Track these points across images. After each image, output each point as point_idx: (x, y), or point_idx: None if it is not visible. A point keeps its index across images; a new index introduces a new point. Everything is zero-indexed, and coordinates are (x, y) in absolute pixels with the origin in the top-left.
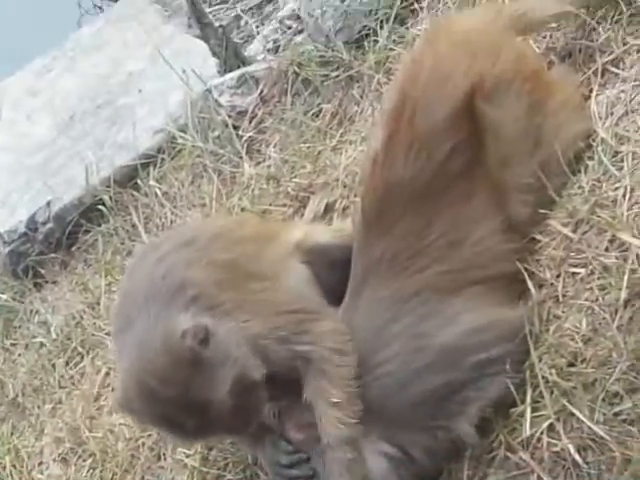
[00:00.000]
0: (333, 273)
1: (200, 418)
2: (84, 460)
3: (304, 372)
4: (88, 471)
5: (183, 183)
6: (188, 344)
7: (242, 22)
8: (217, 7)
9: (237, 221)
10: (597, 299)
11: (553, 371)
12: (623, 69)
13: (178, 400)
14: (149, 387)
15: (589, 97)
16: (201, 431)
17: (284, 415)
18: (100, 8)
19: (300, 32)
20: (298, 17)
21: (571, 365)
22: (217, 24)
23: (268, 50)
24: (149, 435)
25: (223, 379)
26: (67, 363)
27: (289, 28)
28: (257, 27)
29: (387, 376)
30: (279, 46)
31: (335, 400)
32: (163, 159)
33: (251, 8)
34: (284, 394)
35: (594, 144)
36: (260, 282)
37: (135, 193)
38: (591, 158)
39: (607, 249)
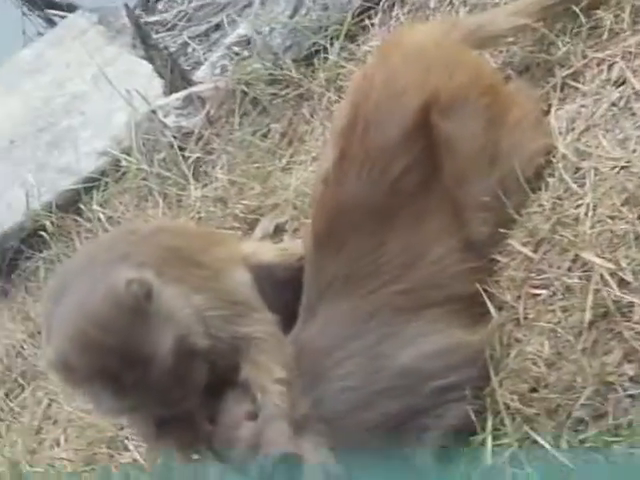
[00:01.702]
0: (276, 292)
1: (140, 373)
2: None
3: (244, 352)
4: None
5: (128, 207)
6: (133, 292)
7: (189, 49)
8: (164, 34)
9: (180, 222)
10: (560, 321)
11: (515, 397)
12: (583, 83)
13: (120, 349)
14: (89, 336)
15: (548, 112)
16: (139, 389)
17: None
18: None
19: (248, 58)
20: (247, 43)
21: (533, 390)
22: (163, 47)
23: (215, 76)
24: (92, 469)
25: (165, 336)
26: (7, 395)
27: (237, 54)
28: (204, 54)
29: (347, 391)
30: (227, 72)
31: (278, 376)
32: (107, 183)
33: (198, 35)
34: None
35: (554, 160)
36: (205, 271)
37: (78, 218)
38: (552, 175)
39: (570, 269)
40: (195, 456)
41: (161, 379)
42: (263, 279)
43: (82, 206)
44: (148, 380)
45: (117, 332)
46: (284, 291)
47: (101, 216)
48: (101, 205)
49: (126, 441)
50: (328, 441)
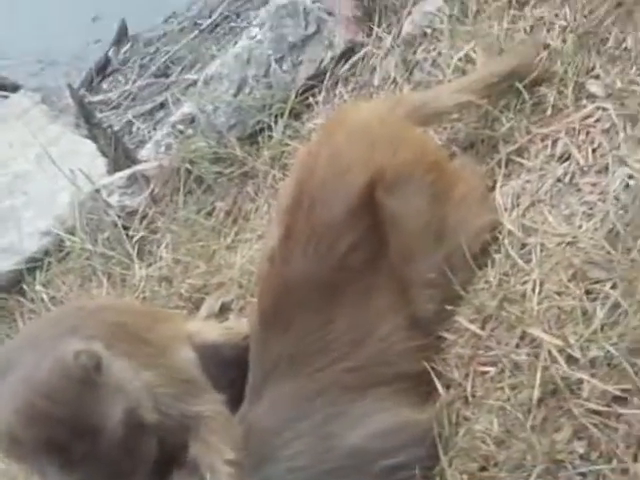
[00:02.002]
0: (221, 371)
1: (88, 444)
2: None
3: (194, 430)
4: None
5: (71, 287)
6: (82, 363)
7: (134, 128)
8: (108, 113)
9: (125, 300)
10: (509, 398)
11: (465, 476)
12: (528, 159)
13: (68, 420)
14: (37, 407)
15: (494, 188)
16: (87, 462)
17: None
18: None
19: (192, 136)
20: (191, 121)
21: (483, 469)
22: (107, 126)
23: (160, 154)
24: None
25: (114, 408)
26: None
27: (181, 132)
28: (149, 132)
29: (295, 471)
30: (171, 150)
31: (227, 457)
32: (50, 262)
33: (143, 114)
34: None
35: (500, 236)
36: (152, 348)
37: (21, 299)
38: (498, 251)
39: (517, 345)
40: None
41: (110, 452)
42: (208, 358)
43: (25, 286)
44: (96, 453)
45: (65, 403)
46: (230, 370)
47: (44, 296)
48: (44, 285)
49: None
50: None
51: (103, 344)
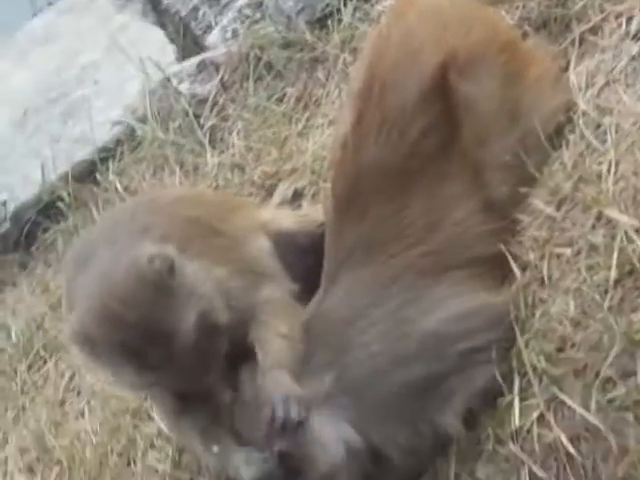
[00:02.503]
0: (297, 259)
1: (162, 348)
2: (50, 469)
3: (256, 316)
4: None
5: (144, 176)
6: (155, 268)
7: (200, 13)
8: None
9: (198, 189)
10: (585, 280)
11: (541, 358)
12: (602, 37)
13: (142, 325)
14: (112, 310)
15: (567, 68)
16: (161, 365)
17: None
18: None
19: (260, 21)
20: (258, 5)
21: (560, 350)
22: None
23: (227, 40)
24: (118, 441)
25: (188, 312)
26: (30, 368)
27: (248, 17)
28: (215, 17)
29: (372, 358)
30: (238, 36)
31: (284, 332)
32: (122, 152)
33: None
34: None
35: (575, 117)
36: (224, 239)
37: (94, 188)
38: (572, 132)
39: (593, 227)
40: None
41: (183, 355)
42: (284, 246)
43: (98, 176)
44: (170, 356)
45: (139, 308)
46: (305, 258)
47: (118, 186)
48: (117, 174)
49: (150, 411)
50: (351, 414)
51: (176, 245)
